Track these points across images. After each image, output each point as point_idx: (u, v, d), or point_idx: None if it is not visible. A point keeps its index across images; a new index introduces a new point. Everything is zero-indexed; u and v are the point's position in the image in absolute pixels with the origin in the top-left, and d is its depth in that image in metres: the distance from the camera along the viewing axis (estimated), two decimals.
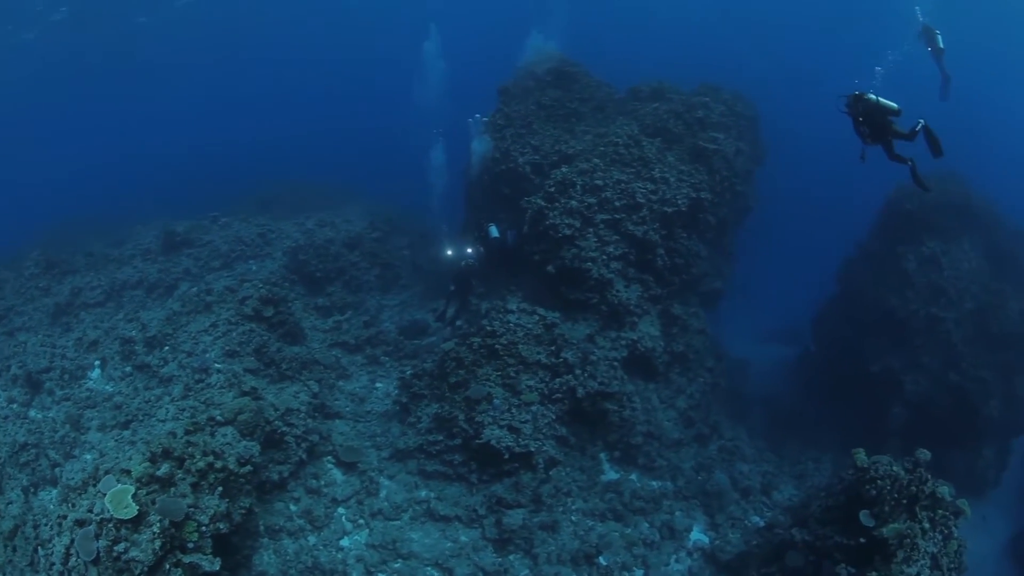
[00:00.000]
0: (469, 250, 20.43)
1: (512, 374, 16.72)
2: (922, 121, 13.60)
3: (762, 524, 17.84)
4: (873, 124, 13.47)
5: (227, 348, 17.40)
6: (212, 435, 12.80)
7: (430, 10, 43.53)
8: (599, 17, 55.34)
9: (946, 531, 11.70)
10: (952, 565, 11.44)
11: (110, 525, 10.16)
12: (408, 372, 18.24)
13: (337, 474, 15.85)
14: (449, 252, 20.47)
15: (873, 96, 13.27)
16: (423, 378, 17.38)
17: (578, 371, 17.07)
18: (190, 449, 11.68)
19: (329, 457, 15.97)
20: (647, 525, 16.81)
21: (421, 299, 25.33)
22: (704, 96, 23.41)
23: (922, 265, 23.50)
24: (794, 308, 32.85)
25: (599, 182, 19.38)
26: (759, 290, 37.78)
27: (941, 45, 20.89)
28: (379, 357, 21.17)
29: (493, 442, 15.52)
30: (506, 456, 15.63)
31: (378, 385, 19.65)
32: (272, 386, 16.58)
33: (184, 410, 14.42)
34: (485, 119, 25.43)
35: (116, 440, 15.17)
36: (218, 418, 13.55)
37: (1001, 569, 21.21)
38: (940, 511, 11.79)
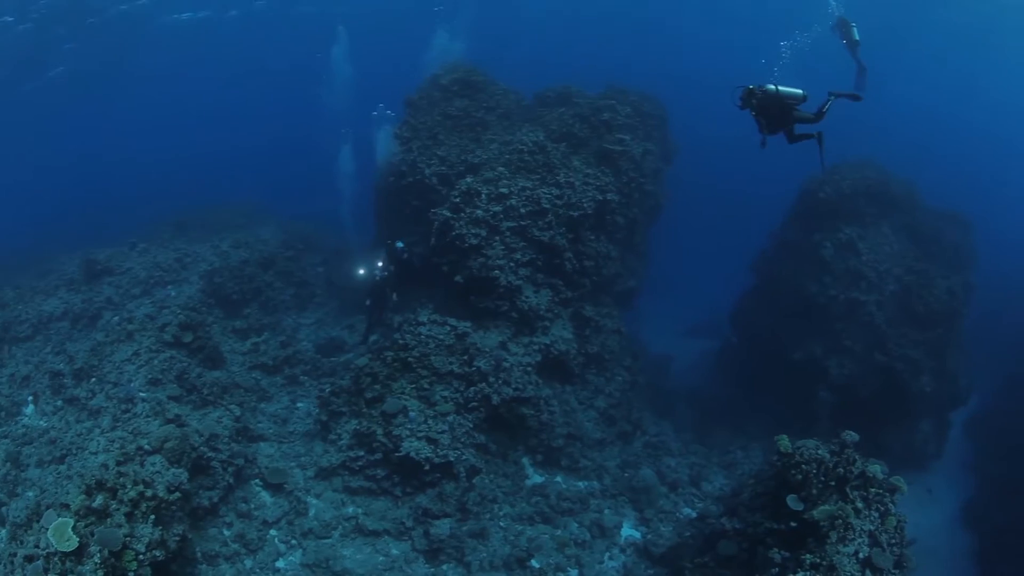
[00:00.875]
0: (380, 264, 21.56)
1: (426, 386, 17.93)
2: (831, 98, 14.41)
3: (694, 515, 19.15)
4: (771, 114, 14.11)
5: (150, 376, 18.10)
6: (142, 465, 13.60)
7: (337, 13, 44.97)
8: (510, 16, 56.73)
9: (882, 508, 12.58)
10: (893, 540, 12.28)
11: (55, 559, 11.07)
12: (326, 390, 19.19)
13: (266, 496, 16.72)
14: (361, 271, 21.56)
15: (773, 86, 14.07)
16: (340, 395, 18.45)
17: (492, 379, 18.31)
18: (121, 480, 12.53)
19: (256, 480, 16.83)
20: (577, 525, 18.08)
21: (337, 316, 26.71)
22: (610, 99, 24.83)
23: (840, 251, 25.11)
24: (714, 301, 34.70)
25: (504, 190, 20.56)
26: (679, 285, 39.76)
27: (856, 37, 22.28)
28: (298, 377, 22.33)
29: (412, 454, 16.65)
30: (426, 467, 16.75)
31: (299, 405, 20.75)
32: (196, 412, 17.27)
33: (114, 441, 15.03)
34: (389, 112, 27.00)
35: (55, 475, 15.78)
36: (146, 447, 14.26)
37: (954, 536, 22.75)
38: (873, 489, 12.70)
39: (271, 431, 19.02)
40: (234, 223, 32.23)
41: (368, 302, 22.25)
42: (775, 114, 14.15)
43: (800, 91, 14.14)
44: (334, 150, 31.50)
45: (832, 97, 14.39)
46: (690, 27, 54.78)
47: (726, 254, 36.72)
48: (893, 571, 11.69)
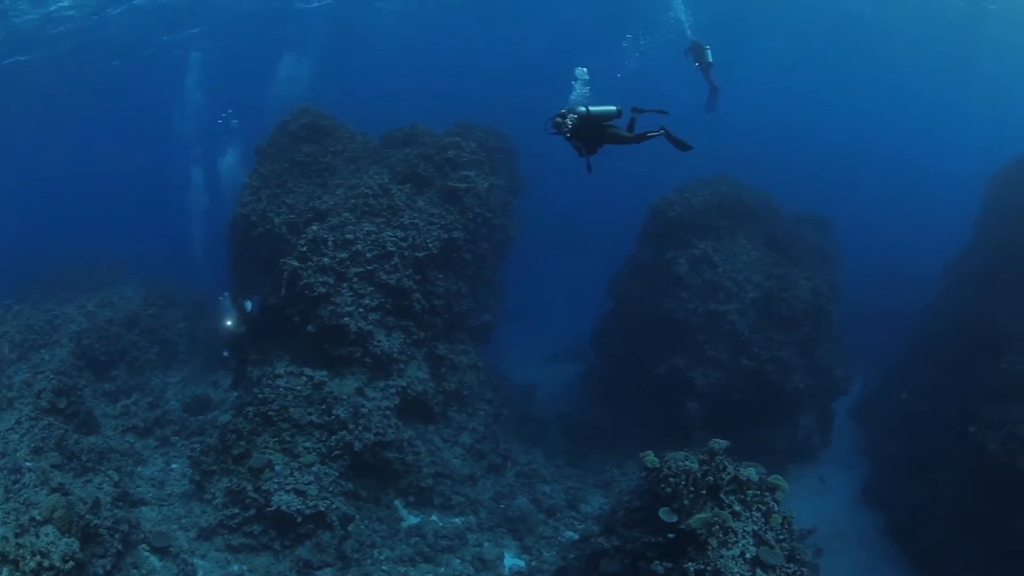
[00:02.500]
0: (233, 320, 23.05)
1: (288, 438, 19.71)
2: (662, 130, 15.50)
3: (576, 537, 20.67)
4: (586, 135, 15.25)
5: (33, 445, 19.25)
6: (37, 535, 14.65)
7: (186, 37, 46.74)
8: (361, 49, 59.44)
9: (764, 508, 13.84)
10: (781, 537, 13.46)
11: None
12: (197, 450, 20.76)
13: (154, 561, 17.87)
14: (229, 323, 23.00)
15: (584, 108, 15.27)
16: (210, 454, 20.02)
17: (351, 425, 20.17)
18: (21, 551, 13.74)
19: (143, 544, 18.01)
20: (459, 561, 19.73)
21: (201, 372, 28.67)
22: (456, 135, 27.25)
23: (695, 266, 27.70)
24: (574, 326, 37.46)
25: (350, 236, 22.62)
26: (539, 314, 43.15)
27: (710, 59, 24.40)
28: (169, 438, 24.02)
29: (283, 507, 18.27)
30: (299, 519, 18.35)
31: (173, 466, 22.27)
32: (77, 479, 18.41)
33: (9, 512, 15.84)
34: (235, 121, 28.82)
35: None
36: (37, 517, 15.22)
37: (859, 516, 25.11)
38: (751, 491, 13.97)
39: (150, 495, 20.38)
40: (99, 280, 33.65)
41: (225, 353, 23.67)
42: (591, 135, 15.37)
43: (613, 107, 15.43)
44: (183, 184, 34.03)
45: (661, 133, 15.47)
46: (538, 56, 57.51)
47: (584, 279, 39.62)
48: (786, 565, 12.81)
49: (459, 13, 52.45)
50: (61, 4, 39.20)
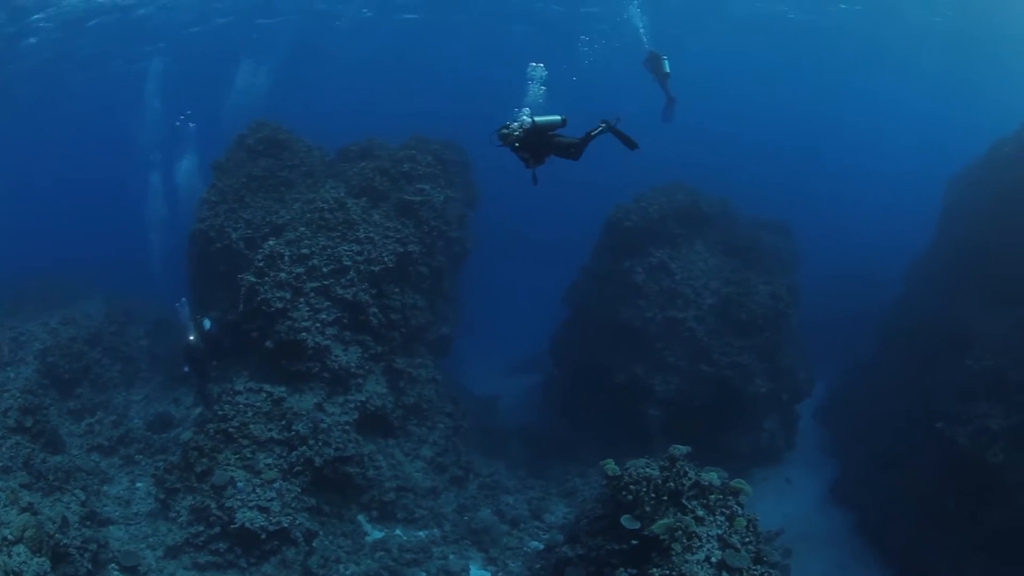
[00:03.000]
0: (193, 337, 23.83)
1: (249, 455, 20.10)
2: (602, 124, 16.00)
3: (541, 547, 21.46)
4: (533, 146, 15.73)
5: (1, 464, 19.72)
6: (9, 555, 14.93)
7: (151, 50, 47.42)
8: (323, 61, 60.66)
9: (728, 512, 14.27)
10: (747, 539, 13.83)
11: None
12: (160, 468, 21.01)
13: None
14: (190, 337, 23.74)
15: (530, 119, 15.68)
16: (173, 472, 20.31)
17: (311, 441, 20.63)
18: None
19: (113, 564, 18.31)
20: (424, 574, 20.27)
21: (163, 390, 29.02)
22: (411, 149, 28.02)
23: (652, 274, 28.59)
24: (533, 337, 38.31)
25: (306, 251, 23.14)
26: (498, 326, 44.12)
27: (667, 70, 25.07)
28: (134, 456, 24.40)
29: (247, 524, 18.60)
30: (263, 536, 18.69)
31: (138, 485, 22.63)
32: (46, 499, 18.52)
33: None
34: (191, 124, 29.22)
35: None
36: (9, 537, 15.42)
37: (828, 516, 25.91)
38: (713, 496, 14.41)
39: (117, 514, 20.74)
40: (64, 296, 34.22)
41: (186, 368, 24.36)
42: (537, 145, 15.80)
43: (558, 116, 15.83)
44: (142, 194, 34.22)
45: (603, 129, 15.99)
46: (492, 67, 58.45)
47: (541, 290, 40.49)
48: (753, 567, 13.20)
49: (414, 28, 53.46)
50: (35, 16, 40.34)
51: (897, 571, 22.94)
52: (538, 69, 18.84)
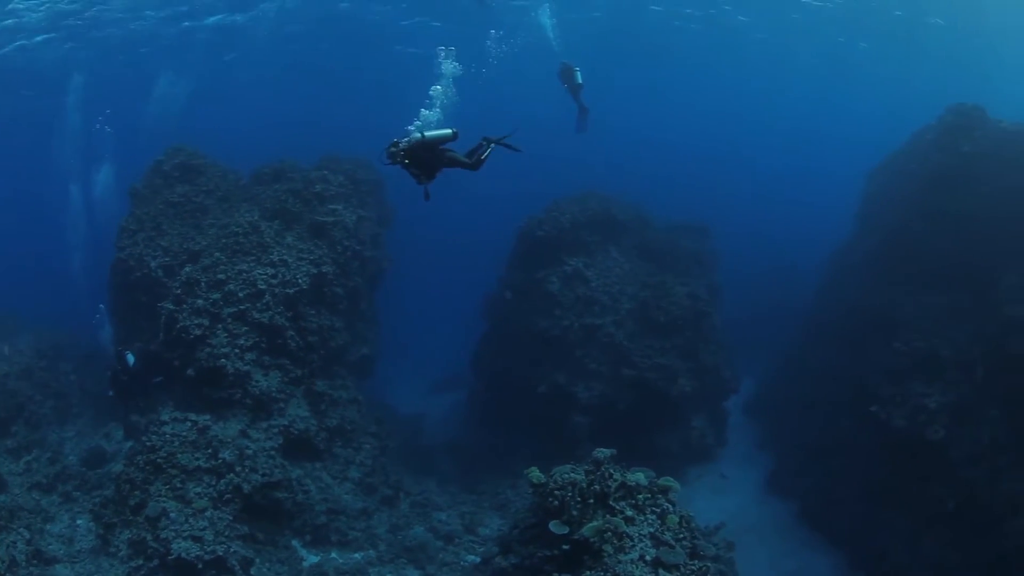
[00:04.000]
0: (119, 368, 24.89)
1: (179, 484, 20.80)
2: (491, 146, 16.93)
3: (478, 560, 22.35)
4: (423, 161, 16.35)
5: None
6: None
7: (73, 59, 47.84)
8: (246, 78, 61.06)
9: (659, 510, 14.94)
10: (681, 535, 14.48)
11: None
12: (97, 503, 21.95)
13: None
14: (117, 368, 24.93)
15: (419, 134, 16.33)
16: (109, 506, 21.03)
17: (238, 468, 21.38)
18: None
19: None
20: None
21: (94, 425, 29.89)
22: (323, 169, 29.14)
23: (567, 283, 29.84)
24: (454, 353, 40.12)
25: (222, 276, 24.04)
26: (420, 344, 45.62)
27: (579, 80, 26.36)
28: (71, 493, 25.15)
29: (183, 555, 19.19)
30: (199, 566, 19.32)
31: (79, 522, 23.34)
32: None
33: None
34: (108, 128, 29.06)
35: None
36: None
37: (766, 507, 27.31)
38: (641, 495, 15.05)
39: (62, 552, 21.45)
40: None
41: (110, 392, 25.47)
42: (427, 160, 16.47)
43: (449, 130, 16.53)
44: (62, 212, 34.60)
45: (491, 147, 16.92)
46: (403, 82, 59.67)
47: (461, 304, 42.38)
48: (690, 563, 13.79)
49: (324, 43, 55.86)
50: None
51: (847, 553, 24.18)
52: (449, 54, 20.37)
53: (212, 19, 47.79)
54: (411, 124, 17.42)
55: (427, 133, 16.58)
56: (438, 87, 20.04)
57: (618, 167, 59.35)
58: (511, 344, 31.62)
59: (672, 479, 15.83)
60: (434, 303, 53.86)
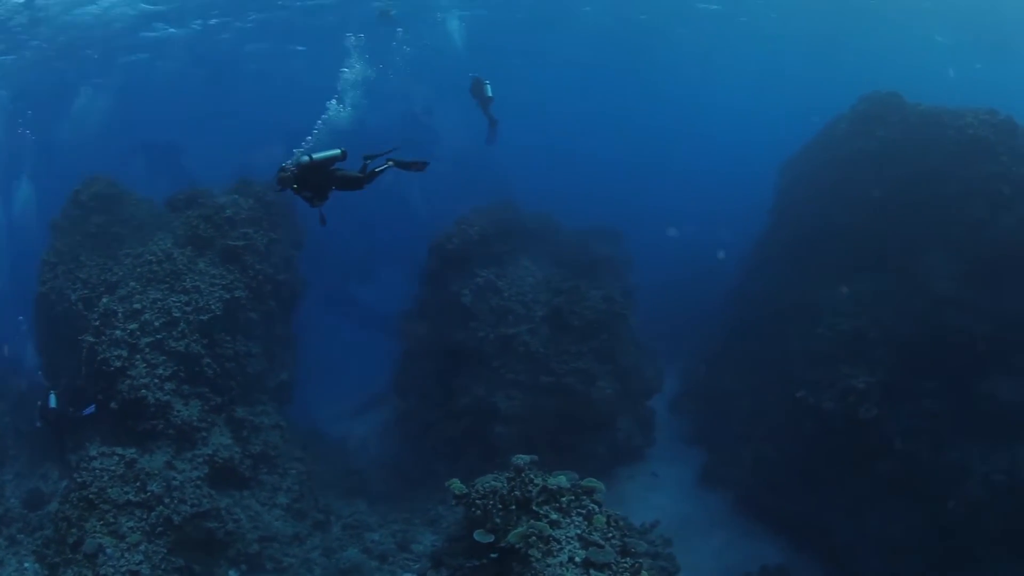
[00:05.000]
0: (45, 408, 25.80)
1: (112, 520, 21.69)
2: (387, 163, 17.49)
3: None
4: (314, 184, 16.93)
5: None
6: None
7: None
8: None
9: (585, 511, 15.70)
10: (609, 535, 15.22)
11: None
12: (39, 544, 22.77)
13: None
14: (46, 407, 25.84)
15: (307, 156, 16.86)
16: (50, 546, 21.81)
17: (167, 499, 22.24)
18: None
19: None
20: None
21: (30, 466, 30.64)
22: (234, 194, 30.11)
23: (480, 294, 31.08)
24: (377, 372, 41.14)
25: (138, 306, 24.99)
26: (343, 364, 46.62)
27: (490, 94, 27.94)
28: (16, 536, 25.97)
29: None
30: None
31: (26, 565, 24.24)
32: None
33: None
34: (28, 131, 29.44)
35: None
36: None
37: (701, 501, 28.86)
38: (565, 498, 15.83)
39: None
40: None
41: (38, 423, 26.65)
42: (318, 183, 17.00)
43: (337, 150, 17.14)
44: None
45: (389, 166, 17.59)
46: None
47: (380, 322, 43.99)
48: (621, 560, 14.49)
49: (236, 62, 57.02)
50: None
51: (790, 537, 25.72)
52: (334, 105, 20.74)
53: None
54: (298, 147, 18.17)
55: (315, 155, 17.15)
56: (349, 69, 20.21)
57: (532, 175, 60.85)
58: (430, 359, 33.00)
59: (596, 480, 16.63)
60: (352, 323, 54.67)
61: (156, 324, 25.45)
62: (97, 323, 25.54)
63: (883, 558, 23.35)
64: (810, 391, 25.20)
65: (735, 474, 28.76)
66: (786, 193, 36.75)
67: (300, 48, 55.49)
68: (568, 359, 30.37)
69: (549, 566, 14.44)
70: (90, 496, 22.43)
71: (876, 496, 23.60)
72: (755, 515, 27.39)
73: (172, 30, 49.78)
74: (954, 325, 24.37)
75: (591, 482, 16.55)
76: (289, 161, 17.42)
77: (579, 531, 15.38)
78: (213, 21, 51.53)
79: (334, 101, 19.93)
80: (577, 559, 14.63)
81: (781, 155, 38.44)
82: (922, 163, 27.38)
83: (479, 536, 15.69)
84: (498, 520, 15.69)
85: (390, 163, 17.75)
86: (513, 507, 15.76)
